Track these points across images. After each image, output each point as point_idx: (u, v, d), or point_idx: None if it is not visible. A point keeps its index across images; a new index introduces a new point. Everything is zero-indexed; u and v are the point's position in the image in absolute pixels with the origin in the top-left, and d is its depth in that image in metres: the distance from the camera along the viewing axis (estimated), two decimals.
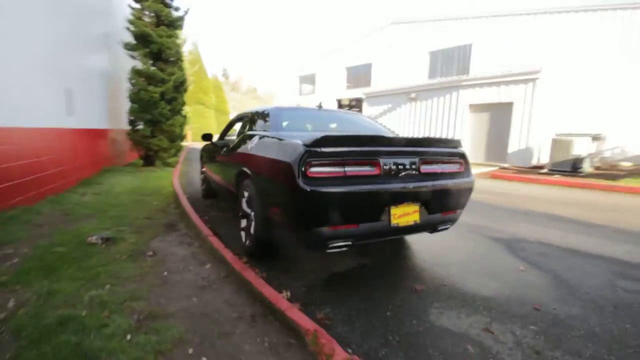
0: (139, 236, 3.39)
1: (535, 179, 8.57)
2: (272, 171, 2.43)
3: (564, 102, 12.09)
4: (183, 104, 9.07)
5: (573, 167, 9.25)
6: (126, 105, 7.99)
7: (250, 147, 2.88)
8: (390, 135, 3.56)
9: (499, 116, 12.37)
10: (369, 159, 2.32)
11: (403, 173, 2.43)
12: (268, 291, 2.05)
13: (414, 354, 1.70)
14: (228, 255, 2.69)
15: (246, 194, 3.01)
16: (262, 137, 2.83)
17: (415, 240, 3.50)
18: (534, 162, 11.47)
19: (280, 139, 2.52)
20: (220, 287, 2.31)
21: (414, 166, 2.49)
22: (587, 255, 3.17)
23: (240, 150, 3.24)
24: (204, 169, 5.55)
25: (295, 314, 1.80)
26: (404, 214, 2.44)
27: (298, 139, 2.46)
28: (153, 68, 7.62)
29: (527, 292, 2.41)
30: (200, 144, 9.65)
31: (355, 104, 22.89)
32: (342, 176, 2.22)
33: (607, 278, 2.67)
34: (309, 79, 24.67)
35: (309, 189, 2.06)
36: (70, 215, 3.88)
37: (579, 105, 12.12)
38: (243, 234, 3.09)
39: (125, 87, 7.90)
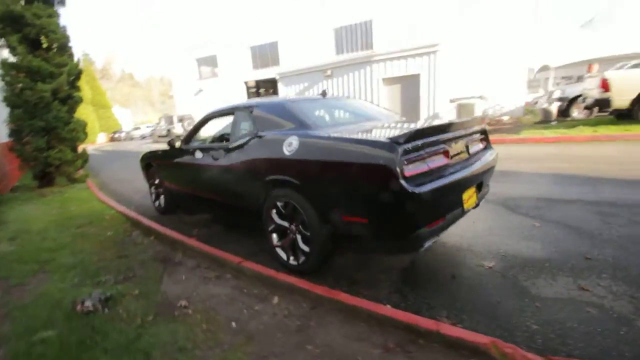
0: (138, 284, 2.63)
1: None
2: (350, 176, 2.11)
3: (456, 70, 13.93)
4: (80, 101, 7.23)
5: None
6: (2, 111, 5.93)
7: (288, 150, 2.44)
8: (398, 119, 3.51)
9: (409, 87, 13.55)
10: (442, 149, 2.24)
11: (463, 157, 2.45)
12: (394, 312, 1.83)
13: (561, 331, 1.76)
14: (293, 280, 2.30)
15: (279, 204, 2.60)
16: (306, 138, 2.41)
17: None
18: None
19: (350, 139, 2.19)
20: (319, 322, 1.96)
21: (466, 149, 2.53)
22: (565, 202, 3.76)
23: (259, 155, 2.74)
24: (156, 182, 4.62)
25: (451, 330, 1.65)
26: (469, 197, 2.47)
27: (366, 135, 2.19)
28: (36, 59, 5.73)
29: (565, 245, 2.74)
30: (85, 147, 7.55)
31: (263, 85, 22.01)
32: (428, 171, 2.09)
33: (599, 219, 3.22)
34: (209, 61, 22.48)
35: (410, 191, 1.87)
36: (8, 279, 2.74)
37: (467, 72, 14.16)
38: (281, 251, 2.69)
39: None
